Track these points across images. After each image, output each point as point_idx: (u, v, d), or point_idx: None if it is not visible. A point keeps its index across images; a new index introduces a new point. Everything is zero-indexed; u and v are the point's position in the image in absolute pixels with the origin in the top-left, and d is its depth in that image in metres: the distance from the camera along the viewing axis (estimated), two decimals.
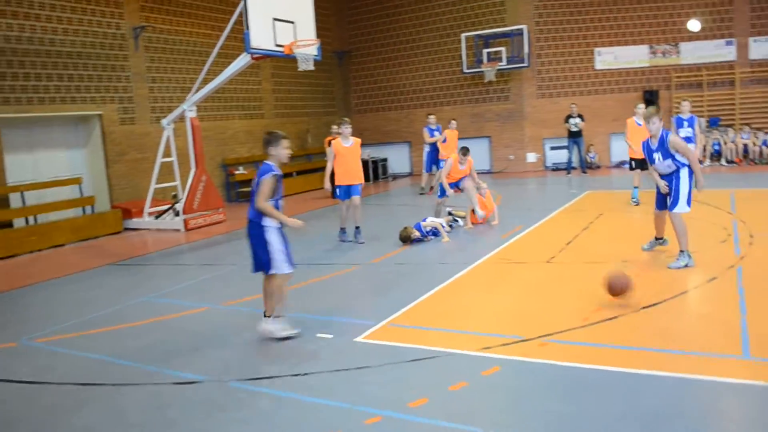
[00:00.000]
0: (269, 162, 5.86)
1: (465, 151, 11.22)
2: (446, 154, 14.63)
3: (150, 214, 14.03)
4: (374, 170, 21.07)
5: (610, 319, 5.89)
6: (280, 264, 5.85)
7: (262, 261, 5.88)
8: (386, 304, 6.80)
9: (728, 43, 20.22)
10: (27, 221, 12.74)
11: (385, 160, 21.73)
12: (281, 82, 20.32)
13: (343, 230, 10.82)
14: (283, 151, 5.89)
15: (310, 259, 9.44)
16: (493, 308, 6.55)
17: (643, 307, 6.12)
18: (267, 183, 5.71)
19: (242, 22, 11.65)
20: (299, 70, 12.36)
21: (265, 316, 5.99)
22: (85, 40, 14.19)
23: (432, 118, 16.67)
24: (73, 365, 5.70)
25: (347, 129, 10.33)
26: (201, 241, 11.93)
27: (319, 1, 13.47)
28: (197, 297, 7.73)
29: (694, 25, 19.97)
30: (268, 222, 5.80)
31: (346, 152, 10.31)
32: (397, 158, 22.61)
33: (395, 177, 21.97)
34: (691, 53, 20.35)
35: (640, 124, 11.85)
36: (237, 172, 17.93)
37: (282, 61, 19.27)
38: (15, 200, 12.84)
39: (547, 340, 5.44)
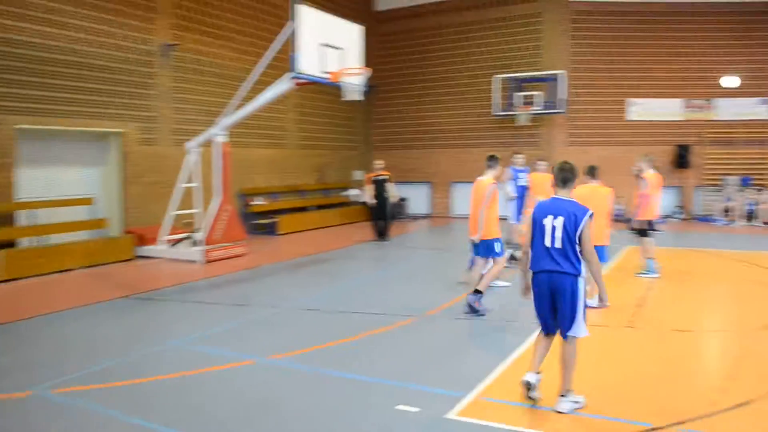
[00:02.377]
0: (565, 197, 4.98)
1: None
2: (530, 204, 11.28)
3: (167, 241, 13.05)
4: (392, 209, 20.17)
5: (742, 404, 4.98)
6: (582, 325, 4.85)
7: (568, 320, 4.82)
8: (466, 370, 5.85)
9: (763, 102, 19.73)
10: (34, 242, 11.75)
11: (404, 199, 20.87)
12: (305, 113, 19.57)
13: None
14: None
15: (354, 308, 8.51)
16: (594, 382, 5.59)
17: None
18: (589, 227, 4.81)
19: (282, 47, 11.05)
20: (344, 100, 11.62)
21: (560, 393, 4.90)
22: (111, 53, 13.41)
23: (520, 159, 12.36)
24: (104, 429, 4.70)
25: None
26: (225, 276, 10.95)
27: None
28: (238, 346, 6.73)
29: (729, 81, 19.54)
30: (584, 271, 4.84)
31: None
32: (417, 198, 21.80)
33: (415, 217, 21.10)
34: (726, 110, 19.84)
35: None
36: (254, 203, 17.00)
37: (308, 90, 18.58)
38: (24, 218, 11.87)
39: (684, 430, 4.51)
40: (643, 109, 20.15)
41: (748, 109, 19.76)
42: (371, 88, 22.21)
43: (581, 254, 4.80)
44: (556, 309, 4.85)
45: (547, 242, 4.81)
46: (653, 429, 4.55)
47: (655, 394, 5.28)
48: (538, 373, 4.93)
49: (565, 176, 5.02)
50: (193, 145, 13.07)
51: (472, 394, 5.22)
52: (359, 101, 22.00)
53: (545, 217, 4.86)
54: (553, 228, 4.79)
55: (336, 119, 21.09)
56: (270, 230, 16.69)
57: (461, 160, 21.39)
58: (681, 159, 19.48)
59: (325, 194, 20.49)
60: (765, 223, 18.22)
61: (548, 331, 5.00)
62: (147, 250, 12.91)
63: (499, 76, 19.99)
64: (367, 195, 15.80)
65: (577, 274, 4.78)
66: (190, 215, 13.65)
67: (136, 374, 5.84)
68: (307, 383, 5.58)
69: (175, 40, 14.81)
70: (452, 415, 4.81)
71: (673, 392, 5.31)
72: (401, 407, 4.95)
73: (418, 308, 8.29)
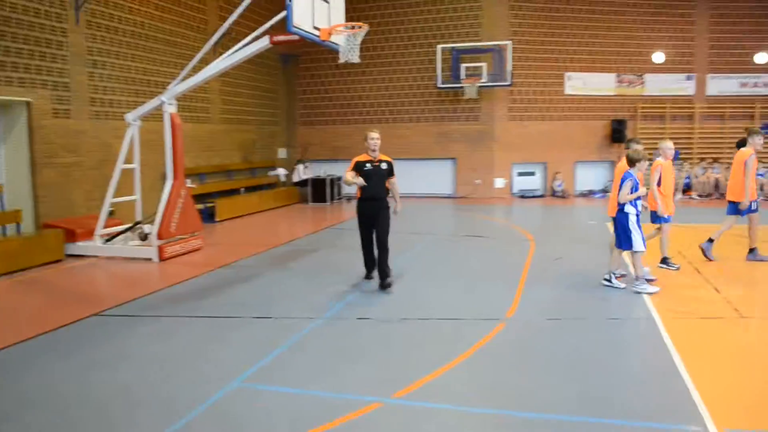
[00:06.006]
0: None
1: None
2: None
3: (102, 236, 10.62)
4: (331, 190, 18.49)
5: None
6: None
7: None
8: (661, 390, 4.58)
9: (688, 78, 20.13)
10: None
11: (339, 179, 19.21)
12: (229, 83, 17.23)
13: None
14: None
15: (414, 314, 6.94)
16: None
17: None
18: None
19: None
20: (340, 62, 9.82)
21: None
22: (14, 2, 10.59)
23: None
24: None
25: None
26: (204, 277, 8.87)
27: None
28: (329, 381, 4.97)
29: (658, 57, 19.69)
30: None
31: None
32: None
33: (349, 198, 19.51)
34: (655, 85, 20.02)
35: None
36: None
37: None
38: None
39: None
40: (579, 83, 19.82)
41: (676, 84, 20.07)
42: (291, 57, 20.28)
43: None
44: None
45: None
46: None
47: None
48: None
49: None
50: (133, 116, 10.68)
51: (709, 426, 3.97)
52: (280, 71, 20.10)
53: None
54: None
55: (258, 91, 18.90)
56: (207, 217, 14.44)
57: (398, 136, 20.00)
58: (617, 134, 19.38)
59: (252, 174, 18.35)
60: (699, 195, 18.55)
61: None
62: (79, 247, 10.40)
63: (441, 46, 18.71)
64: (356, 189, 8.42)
65: None
66: (119, 203, 11.26)
67: None
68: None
69: None
70: None
71: None
72: None
73: (491, 309, 6.89)
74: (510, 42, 18.26)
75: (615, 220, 7.65)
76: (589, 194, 19.69)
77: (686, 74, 20.09)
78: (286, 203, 18.01)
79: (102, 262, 10.02)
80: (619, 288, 7.64)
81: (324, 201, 18.27)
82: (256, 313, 6.91)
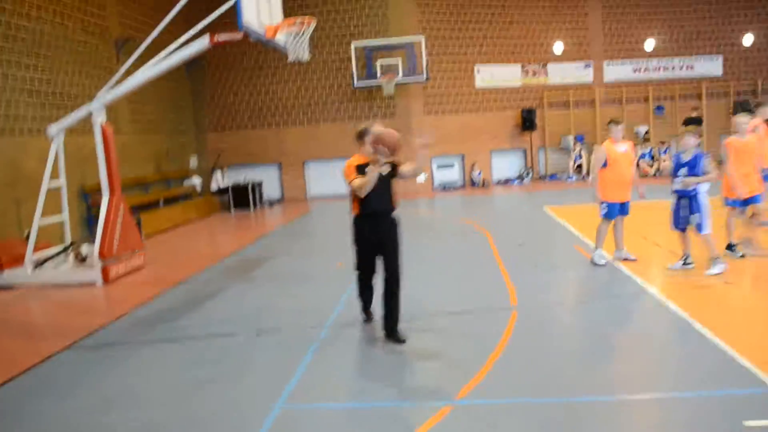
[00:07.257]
0: None
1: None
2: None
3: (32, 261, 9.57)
4: (254, 196, 17.81)
5: None
6: None
7: None
8: (694, 358, 4.65)
9: (587, 66, 21.16)
10: None
11: (260, 183, 18.55)
12: (135, 91, 16.03)
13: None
14: None
15: (414, 312, 6.71)
16: None
17: None
18: None
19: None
20: (289, 61, 9.38)
21: None
22: None
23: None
24: None
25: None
26: (162, 297, 8.16)
27: None
28: (383, 390, 4.67)
29: (558, 47, 20.57)
30: None
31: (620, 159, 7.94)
32: (266, 182, 19.47)
33: (272, 203, 18.91)
34: (557, 74, 20.89)
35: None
36: None
37: None
38: None
39: None
40: (488, 75, 20.30)
41: (576, 72, 21.04)
42: (194, 62, 19.28)
43: None
44: None
45: None
46: None
47: None
48: None
49: None
50: (56, 129, 9.71)
51: None
52: (183, 77, 19.07)
53: None
54: None
55: (164, 98, 17.85)
56: None
57: (313, 137, 19.65)
58: (527, 122, 20.03)
59: (167, 185, 17.33)
60: None
61: None
62: (7, 276, 9.31)
63: (355, 44, 18.48)
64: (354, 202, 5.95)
65: None
66: (50, 227, 10.23)
67: None
68: (591, 421, 3.94)
69: None
70: None
71: None
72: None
73: (493, 299, 6.84)
74: (423, 37, 18.36)
75: (695, 201, 7.13)
76: (506, 182, 20.23)
77: (584, 62, 21.10)
78: (208, 213, 17.20)
79: (37, 291, 9.00)
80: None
81: (247, 207, 17.57)
82: (251, 329, 6.43)
